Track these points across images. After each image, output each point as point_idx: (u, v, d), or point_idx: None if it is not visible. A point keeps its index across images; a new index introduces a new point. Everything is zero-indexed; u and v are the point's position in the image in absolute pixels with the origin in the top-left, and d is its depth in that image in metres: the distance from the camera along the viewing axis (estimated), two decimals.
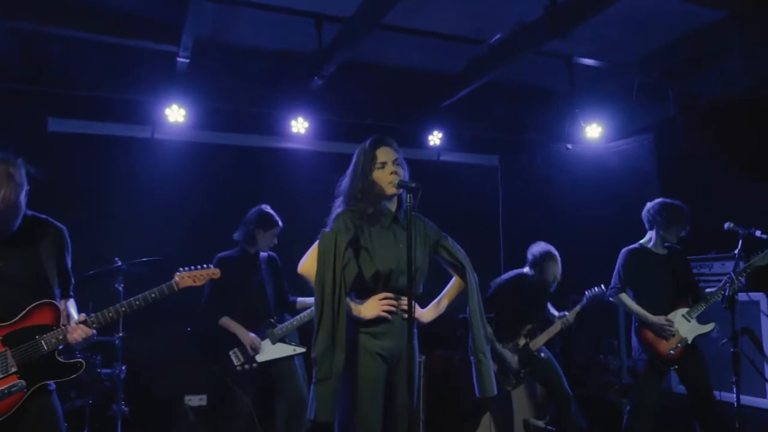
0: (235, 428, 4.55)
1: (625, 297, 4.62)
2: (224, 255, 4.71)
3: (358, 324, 3.01)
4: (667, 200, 4.58)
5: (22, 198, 2.77)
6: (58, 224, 3.03)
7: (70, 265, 3.06)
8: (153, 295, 2.99)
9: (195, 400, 5.31)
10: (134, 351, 4.97)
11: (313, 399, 2.88)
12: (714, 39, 5.09)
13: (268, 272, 4.77)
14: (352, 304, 3.02)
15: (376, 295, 3.02)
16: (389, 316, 3.00)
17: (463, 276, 3.22)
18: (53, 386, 2.88)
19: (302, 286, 3.29)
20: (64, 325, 2.82)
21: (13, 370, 2.72)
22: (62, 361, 2.83)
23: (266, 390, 4.66)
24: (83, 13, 4.72)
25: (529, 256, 5.19)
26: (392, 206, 3.14)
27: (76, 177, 5.40)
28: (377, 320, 3.00)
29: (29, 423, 2.77)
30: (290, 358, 4.65)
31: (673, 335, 4.43)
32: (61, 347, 2.82)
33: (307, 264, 3.07)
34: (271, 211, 4.72)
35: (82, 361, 2.88)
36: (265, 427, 4.59)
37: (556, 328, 5.14)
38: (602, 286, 4.99)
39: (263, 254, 4.79)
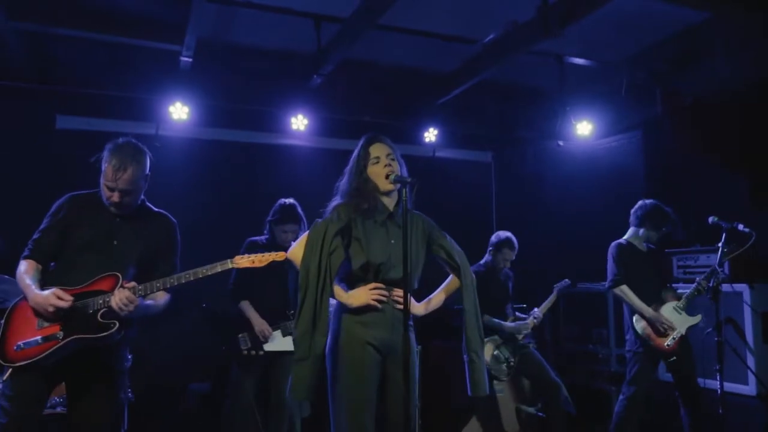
0: (238, 414, 4.56)
1: (626, 289, 4.64)
2: (254, 239, 4.70)
3: (348, 312, 3.02)
4: (657, 204, 4.67)
5: (142, 181, 3.11)
6: (172, 219, 3.34)
7: (176, 260, 3.27)
8: (204, 271, 3.05)
9: (199, 388, 5.38)
10: (140, 340, 5.02)
11: (290, 378, 2.90)
12: (699, 39, 5.19)
13: (295, 269, 4.73)
14: (341, 291, 3.04)
15: (367, 285, 3.02)
16: (379, 305, 3.00)
17: (459, 275, 3.22)
18: (127, 365, 3.17)
19: None
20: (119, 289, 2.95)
21: (60, 320, 2.92)
22: (100, 320, 2.94)
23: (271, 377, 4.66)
24: (90, 14, 4.81)
25: (493, 239, 5.42)
26: (390, 203, 3.15)
27: (83, 173, 5.42)
28: (366, 308, 2.99)
29: (84, 393, 3.02)
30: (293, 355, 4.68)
31: (667, 328, 4.54)
32: (104, 310, 2.94)
33: (295, 249, 3.08)
34: (287, 205, 4.62)
35: (116, 322, 2.94)
36: (263, 414, 4.58)
37: (529, 324, 5.30)
38: (567, 280, 5.28)
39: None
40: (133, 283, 2.97)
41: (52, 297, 2.86)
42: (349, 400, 2.94)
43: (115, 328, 2.94)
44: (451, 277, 3.31)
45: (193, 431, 5.33)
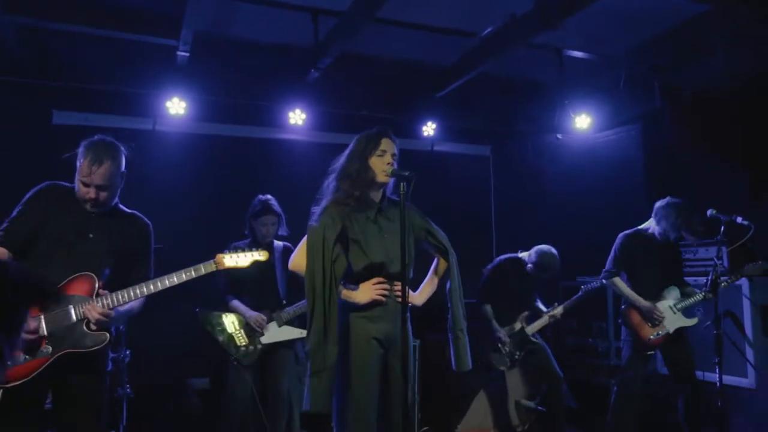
0: (237, 409, 4.57)
1: (618, 280, 4.70)
2: (237, 244, 4.64)
3: (353, 309, 3.06)
4: (687, 204, 4.62)
5: (118, 178, 3.05)
6: (146, 220, 3.29)
7: (151, 260, 3.22)
8: (190, 273, 3.01)
9: (198, 384, 5.38)
10: (138, 336, 5.02)
11: (308, 391, 2.92)
12: (699, 32, 5.15)
13: (281, 262, 4.71)
14: (346, 291, 3.07)
15: (370, 280, 3.08)
16: (384, 299, 3.06)
17: (446, 257, 3.30)
18: (110, 367, 3.07)
19: None
20: (96, 297, 2.90)
21: (44, 334, 2.81)
22: (89, 331, 2.88)
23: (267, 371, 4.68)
24: (87, 8, 4.78)
25: (534, 256, 5.20)
26: (377, 197, 3.20)
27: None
28: (372, 304, 3.05)
29: (71, 399, 2.93)
30: (290, 345, 4.66)
31: (660, 322, 4.56)
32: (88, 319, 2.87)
33: (297, 260, 3.13)
34: (264, 199, 4.68)
35: (107, 334, 2.90)
36: (266, 408, 4.59)
37: (544, 321, 5.28)
38: (602, 281, 5.10)
39: (278, 245, 4.76)
40: (105, 293, 2.93)
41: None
42: (355, 395, 2.98)
43: (107, 340, 2.91)
44: (436, 260, 3.40)
45: (191, 426, 5.34)
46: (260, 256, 3.19)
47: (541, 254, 5.18)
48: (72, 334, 2.86)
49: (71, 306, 2.87)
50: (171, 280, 2.99)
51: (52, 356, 2.81)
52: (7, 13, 4.62)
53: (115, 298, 2.93)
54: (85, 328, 2.88)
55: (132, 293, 2.95)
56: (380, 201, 3.21)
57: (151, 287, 2.98)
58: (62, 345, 2.83)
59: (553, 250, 5.20)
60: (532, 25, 4.86)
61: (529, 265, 5.24)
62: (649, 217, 4.80)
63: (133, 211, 3.27)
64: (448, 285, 3.35)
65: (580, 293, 5.30)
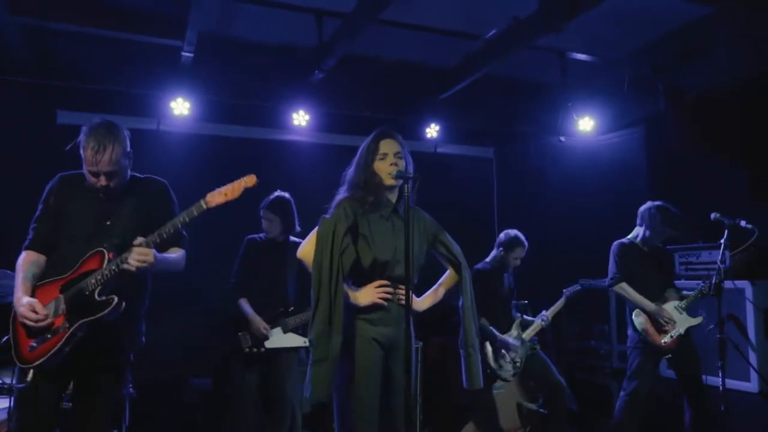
0: (240, 410, 4.57)
1: (626, 286, 4.69)
2: (252, 237, 4.78)
3: (355, 311, 3.04)
4: (664, 206, 4.67)
5: (125, 159, 2.97)
6: (161, 180, 3.25)
7: (178, 218, 3.09)
8: (182, 219, 2.92)
9: (201, 384, 5.38)
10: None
11: (309, 380, 2.90)
12: (701, 34, 5.15)
13: (293, 261, 4.62)
14: (349, 291, 3.05)
15: (373, 283, 3.05)
16: (385, 303, 3.04)
17: (458, 271, 3.29)
18: (131, 358, 3.16)
19: None
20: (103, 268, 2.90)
21: (63, 311, 2.87)
22: (98, 299, 2.88)
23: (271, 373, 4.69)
24: (92, 9, 4.80)
25: (503, 237, 5.32)
26: (392, 197, 3.18)
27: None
28: (373, 307, 3.03)
29: (87, 392, 2.99)
30: (294, 351, 4.65)
31: (671, 324, 4.57)
32: (99, 287, 2.88)
33: (306, 249, 3.11)
34: (274, 195, 4.72)
35: (114, 297, 2.87)
36: (269, 410, 4.61)
37: (537, 325, 5.29)
38: (578, 285, 5.20)
39: (292, 240, 4.75)
40: (140, 239, 2.87)
41: (26, 311, 2.83)
42: (358, 394, 2.97)
43: (115, 302, 2.87)
44: (448, 272, 3.37)
45: (194, 426, 5.34)
46: (248, 181, 3.04)
47: (505, 233, 5.31)
48: (85, 306, 2.88)
49: (86, 280, 2.89)
50: (167, 230, 2.91)
51: (70, 329, 2.85)
52: (11, 13, 4.62)
53: (145, 240, 2.89)
54: (96, 297, 2.88)
55: (154, 236, 2.92)
56: (396, 202, 3.20)
57: (163, 232, 2.92)
58: (77, 318, 2.87)
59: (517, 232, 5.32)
60: (536, 27, 4.87)
61: (500, 249, 5.29)
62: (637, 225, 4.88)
63: (147, 175, 3.23)
64: (460, 301, 3.29)
65: (561, 299, 5.40)
